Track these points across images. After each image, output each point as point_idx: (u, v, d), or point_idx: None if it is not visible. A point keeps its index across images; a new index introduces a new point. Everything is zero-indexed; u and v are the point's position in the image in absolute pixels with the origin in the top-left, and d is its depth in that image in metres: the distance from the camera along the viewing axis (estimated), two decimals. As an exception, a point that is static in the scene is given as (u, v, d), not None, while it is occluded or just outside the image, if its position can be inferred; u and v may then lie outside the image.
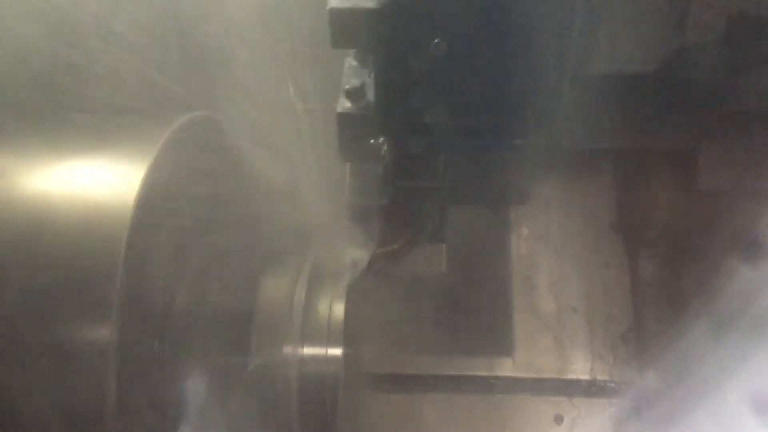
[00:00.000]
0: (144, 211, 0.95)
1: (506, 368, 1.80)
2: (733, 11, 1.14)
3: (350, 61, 1.14)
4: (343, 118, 1.11)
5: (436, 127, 1.09)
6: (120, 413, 0.90)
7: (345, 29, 1.01)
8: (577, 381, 1.79)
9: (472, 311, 1.84)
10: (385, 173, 1.19)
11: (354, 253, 1.31)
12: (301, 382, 1.24)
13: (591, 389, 1.79)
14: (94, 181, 1.00)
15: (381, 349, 1.71)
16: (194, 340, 1.13)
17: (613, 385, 1.79)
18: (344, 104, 1.11)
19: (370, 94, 1.10)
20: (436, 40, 0.99)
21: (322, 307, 1.31)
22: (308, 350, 1.27)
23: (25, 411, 0.90)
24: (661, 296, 1.79)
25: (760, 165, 1.37)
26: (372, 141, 1.11)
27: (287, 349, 1.25)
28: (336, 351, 1.28)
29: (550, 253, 1.88)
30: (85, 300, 0.91)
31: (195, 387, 1.13)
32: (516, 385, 1.79)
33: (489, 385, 1.79)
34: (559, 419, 1.77)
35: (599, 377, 1.79)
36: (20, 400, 0.90)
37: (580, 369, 1.80)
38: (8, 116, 1.10)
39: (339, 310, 1.31)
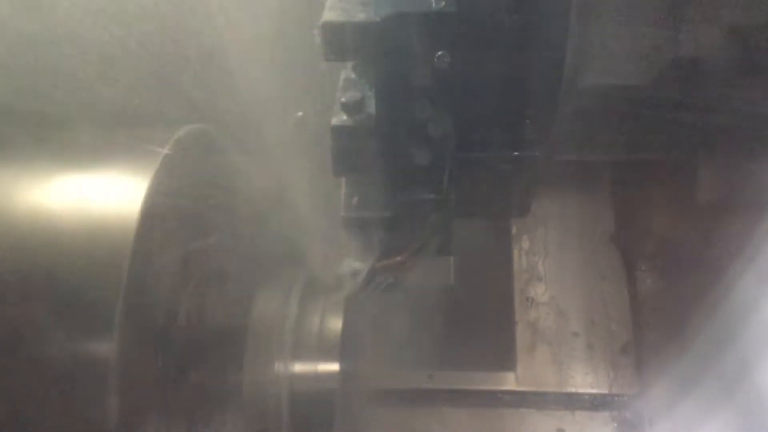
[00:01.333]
0: (147, 226, 0.95)
1: (509, 382, 1.79)
2: (729, 23, 1.15)
3: (347, 74, 1.15)
4: (339, 131, 1.11)
5: (440, 139, 1.10)
6: (122, 429, 0.90)
7: (339, 43, 1.01)
8: (578, 394, 1.78)
9: (475, 325, 1.84)
10: (387, 185, 1.18)
11: (350, 265, 1.30)
12: (292, 399, 1.22)
13: (592, 402, 1.78)
14: (96, 195, 1.00)
15: (383, 363, 1.71)
16: (195, 356, 1.13)
17: (613, 398, 1.78)
18: (340, 117, 1.11)
19: (371, 107, 1.10)
20: (440, 53, 1.00)
21: (316, 321, 1.29)
22: (300, 366, 1.25)
23: (27, 428, 0.90)
24: (659, 309, 1.79)
25: (759, 177, 1.37)
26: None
27: (278, 366, 1.23)
28: (330, 366, 1.26)
29: (549, 266, 1.89)
30: (87, 315, 0.91)
31: (194, 404, 1.12)
32: (518, 399, 1.79)
33: (493, 400, 1.78)
34: (561, 432, 1.77)
35: (599, 390, 1.79)
36: (21, 418, 0.89)
37: (580, 383, 1.80)
38: (9, 129, 1.10)
39: (334, 324, 1.29)
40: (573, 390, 1.79)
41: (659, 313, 1.78)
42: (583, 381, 1.80)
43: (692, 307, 1.57)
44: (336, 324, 1.29)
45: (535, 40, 1.04)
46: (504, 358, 1.81)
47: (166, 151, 1.06)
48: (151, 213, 0.97)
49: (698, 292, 1.57)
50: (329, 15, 1.01)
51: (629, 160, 1.72)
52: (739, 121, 1.32)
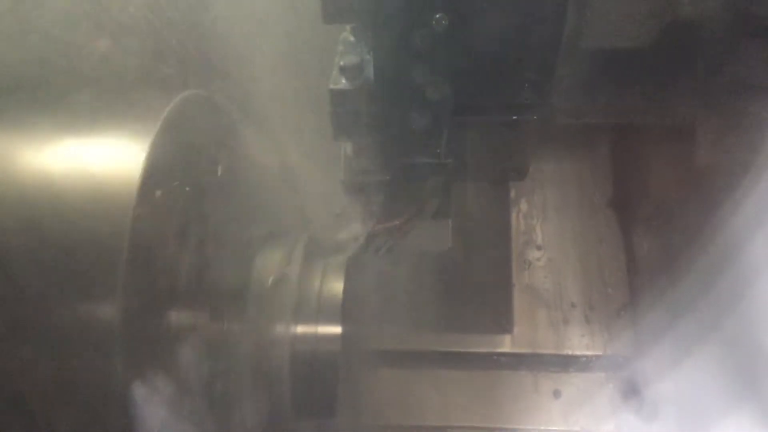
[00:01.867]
0: (148, 187, 0.95)
1: (506, 344, 1.82)
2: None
3: (346, 37, 1.14)
4: (337, 95, 1.11)
5: (438, 103, 1.09)
6: (126, 392, 0.91)
7: (338, 5, 1.01)
8: (574, 356, 1.81)
9: (473, 287, 1.86)
10: (386, 149, 1.19)
11: (351, 228, 1.31)
12: (293, 361, 1.23)
13: (588, 364, 1.81)
14: (96, 159, 1.00)
15: (382, 325, 1.72)
16: (196, 318, 1.14)
17: (609, 359, 1.80)
18: (339, 81, 1.11)
19: (369, 71, 1.10)
20: (437, 15, 0.99)
21: (317, 283, 1.30)
22: (301, 328, 1.25)
23: (30, 391, 0.90)
24: (656, 272, 1.80)
25: (757, 139, 1.37)
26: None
27: (280, 327, 1.24)
28: (332, 329, 1.26)
29: (547, 230, 1.90)
30: (90, 278, 0.91)
31: (195, 367, 1.13)
32: (515, 361, 1.81)
33: (490, 361, 1.81)
34: (557, 394, 1.79)
35: (595, 352, 1.81)
36: (25, 381, 0.90)
37: (576, 344, 1.82)
38: (10, 96, 1.09)
39: (335, 286, 1.30)
40: (569, 352, 1.81)
41: (655, 277, 1.80)
42: (579, 343, 1.82)
43: (688, 270, 1.58)
44: (337, 286, 1.29)
45: (534, 2, 1.03)
46: (501, 320, 1.83)
47: (166, 113, 1.06)
48: (151, 175, 0.97)
49: (695, 255, 1.58)
50: (327, -26, 1.01)
51: (628, 124, 1.72)
52: (738, 85, 1.32)
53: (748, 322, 1.38)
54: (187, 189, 1.12)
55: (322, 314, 1.26)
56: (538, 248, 1.89)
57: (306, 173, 1.48)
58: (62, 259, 0.92)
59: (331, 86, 1.12)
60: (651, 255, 1.82)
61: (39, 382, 0.90)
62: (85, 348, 0.91)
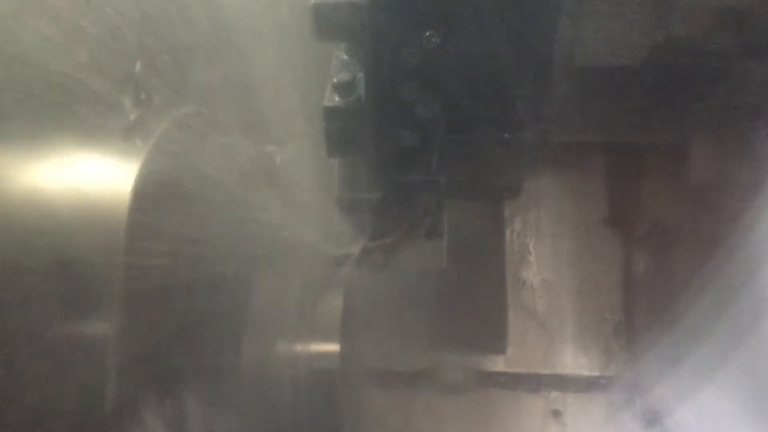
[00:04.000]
0: (140, 205, 0.95)
1: (500, 364, 1.81)
2: (721, 5, 1.15)
3: (339, 55, 1.15)
4: (331, 113, 1.11)
5: (430, 121, 1.10)
6: (117, 410, 0.91)
7: (329, 24, 1.02)
8: (570, 376, 1.80)
9: (467, 307, 1.85)
10: (378, 166, 1.19)
11: (346, 246, 1.31)
12: (293, 380, 1.23)
13: (585, 384, 1.79)
14: (88, 175, 1.00)
15: (376, 344, 1.71)
16: (192, 336, 1.13)
17: (606, 379, 1.79)
18: (332, 98, 1.11)
19: (361, 89, 1.10)
20: (428, 33, 1.00)
21: (315, 301, 1.30)
22: (300, 347, 1.25)
23: (20, 408, 0.90)
24: (652, 291, 1.79)
25: (753, 157, 1.37)
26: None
27: (279, 346, 1.24)
28: (331, 347, 1.27)
29: (541, 248, 1.89)
30: (83, 297, 0.91)
31: (191, 385, 1.13)
32: (511, 381, 1.80)
33: (485, 381, 1.80)
34: (557, 414, 1.78)
35: (591, 372, 1.80)
36: (14, 398, 0.90)
37: (571, 364, 1.81)
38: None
39: (334, 304, 1.30)
40: (565, 372, 1.80)
41: (652, 295, 1.79)
42: (575, 363, 1.81)
43: (685, 288, 1.57)
44: (336, 304, 1.30)
45: (526, 20, 1.04)
46: (495, 340, 1.82)
47: (158, 132, 1.06)
48: (143, 194, 0.97)
49: (691, 273, 1.57)
50: (317, -5, 1.01)
51: (623, 141, 1.72)
52: (734, 102, 1.32)
53: (764, 343, 1.37)
54: (181, 206, 1.12)
55: (321, 334, 1.27)
56: (533, 267, 1.88)
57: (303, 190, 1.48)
58: (54, 279, 0.92)
59: (325, 103, 1.12)
60: (648, 273, 1.81)
61: (28, 398, 0.90)
62: (78, 365, 0.91)
